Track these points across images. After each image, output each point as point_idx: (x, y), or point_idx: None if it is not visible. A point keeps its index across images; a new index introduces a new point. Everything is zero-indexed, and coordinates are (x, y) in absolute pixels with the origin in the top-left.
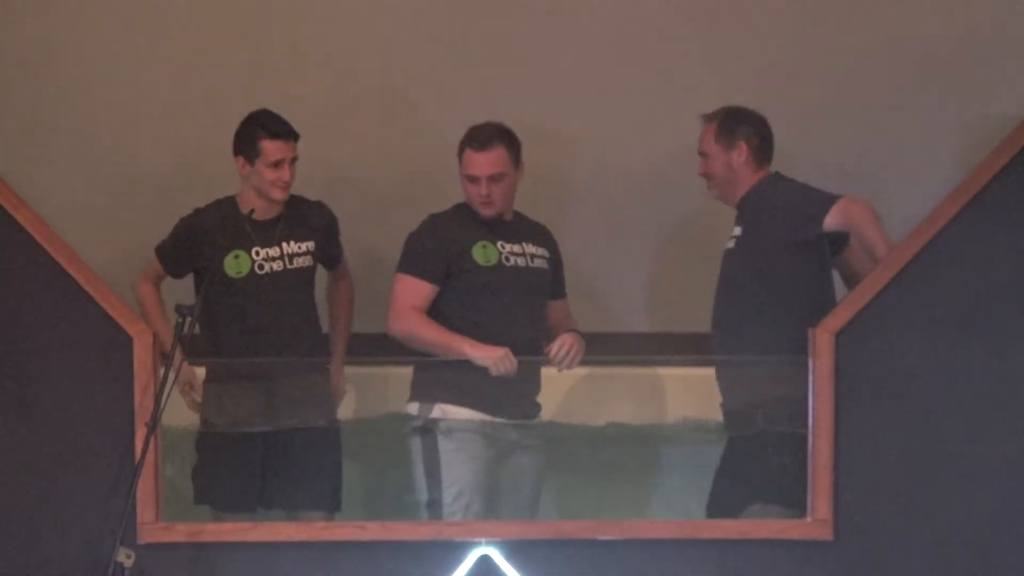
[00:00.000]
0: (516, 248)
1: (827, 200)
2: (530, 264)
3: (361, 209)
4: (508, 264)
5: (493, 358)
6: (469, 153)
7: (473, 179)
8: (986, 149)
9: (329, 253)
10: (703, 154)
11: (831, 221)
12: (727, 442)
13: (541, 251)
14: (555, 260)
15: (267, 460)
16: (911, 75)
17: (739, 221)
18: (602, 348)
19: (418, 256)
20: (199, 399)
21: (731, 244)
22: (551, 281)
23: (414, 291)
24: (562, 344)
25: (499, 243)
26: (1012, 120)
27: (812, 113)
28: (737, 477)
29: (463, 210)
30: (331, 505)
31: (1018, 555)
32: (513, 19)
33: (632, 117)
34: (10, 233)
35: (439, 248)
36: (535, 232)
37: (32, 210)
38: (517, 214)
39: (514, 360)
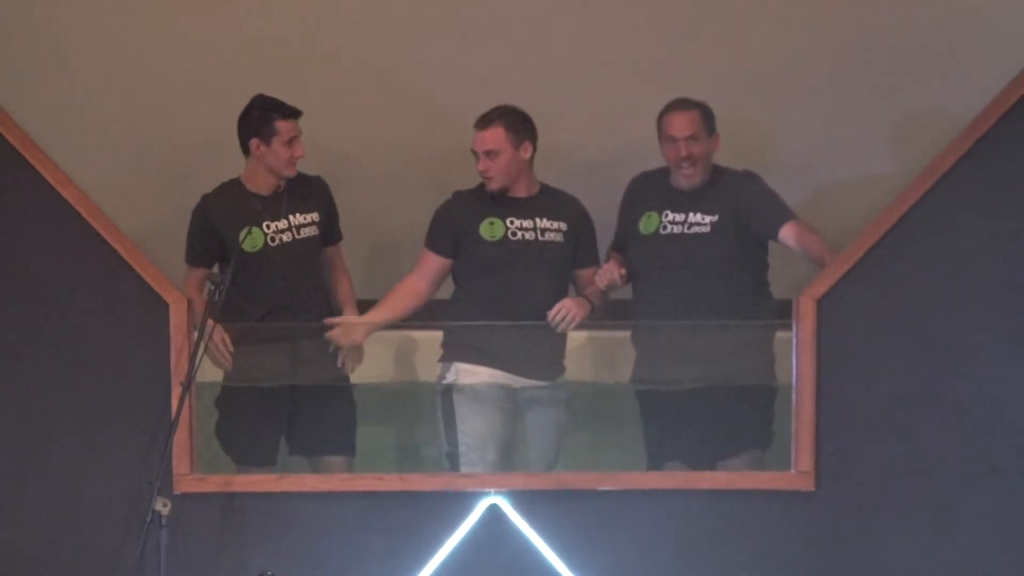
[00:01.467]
0: (527, 223)
1: (785, 214)
2: (540, 238)
3: (370, 187)
4: (514, 238)
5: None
6: (474, 133)
7: (475, 154)
8: (959, 127)
9: (330, 225)
10: (694, 138)
11: (784, 235)
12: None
13: (557, 224)
14: (578, 232)
15: (289, 414)
16: (876, 71)
17: (707, 207)
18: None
19: (432, 230)
20: (229, 357)
21: (704, 229)
22: (570, 252)
23: (424, 262)
24: (559, 308)
25: (508, 219)
26: (970, 112)
27: (782, 104)
28: (724, 430)
29: (478, 188)
30: (349, 449)
31: (988, 503)
32: (516, 7)
33: (625, 103)
34: (55, 206)
35: (450, 223)
36: (556, 206)
37: (76, 185)
38: (545, 189)
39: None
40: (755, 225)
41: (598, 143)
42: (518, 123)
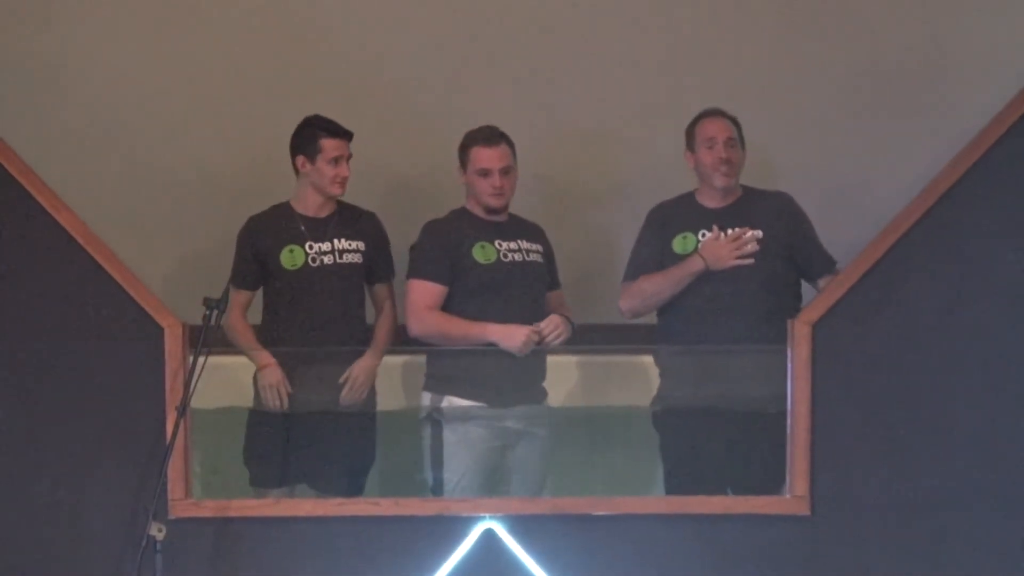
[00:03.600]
0: (512, 245)
1: (828, 259)
2: (526, 259)
3: (379, 207)
4: (506, 260)
5: (514, 346)
6: (480, 150)
7: (486, 172)
8: (954, 150)
9: (377, 261)
10: (732, 142)
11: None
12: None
13: (535, 246)
14: (548, 254)
15: (309, 441)
16: (887, 86)
17: (748, 224)
18: (614, 338)
19: (425, 260)
20: (286, 398)
21: (754, 246)
22: (547, 273)
23: (427, 293)
24: (550, 322)
25: (496, 242)
26: (974, 128)
27: (796, 121)
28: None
29: (460, 214)
30: (356, 489)
31: (983, 528)
32: (521, 29)
33: (634, 120)
34: (52, 233)
35: (443, 250)
36: (528, 229)
37: (72, 211)
38: (512, 215)
39: (532, 336)
40: (802, 263)
41: (595, 168)
42: (512, 143)
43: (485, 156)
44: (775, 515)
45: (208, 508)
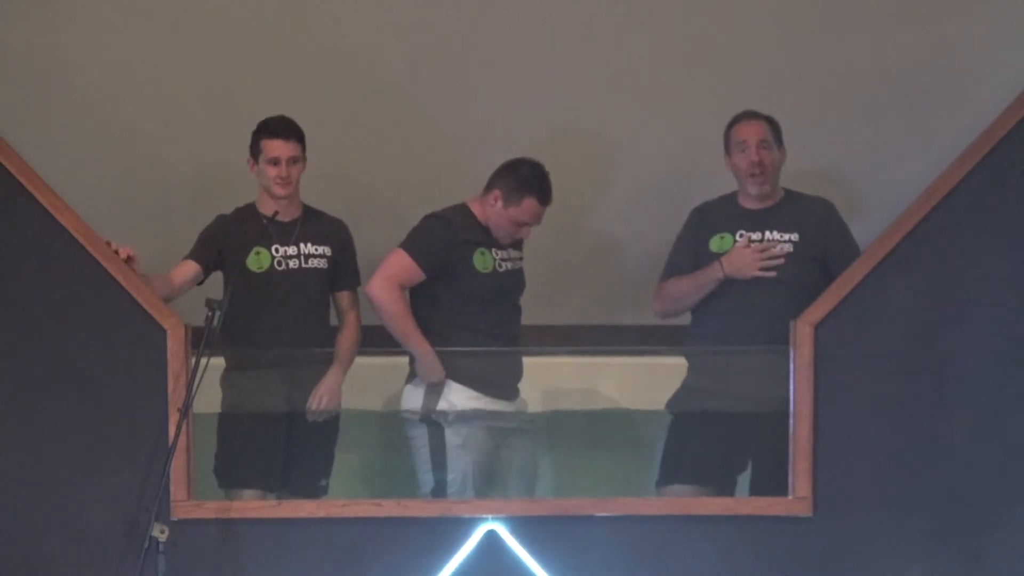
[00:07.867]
0: (504, 254)
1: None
2: (513, 267)
3: (368, 208)
4: (501, 270)
5: (432, 377)
6: (537, 206)
7: (527, 225)
8: (955, 152)
9: (343, 268)
10: (765, 144)
11: None
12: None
13: (519, 253)
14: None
15: (276, 445)
16: (891, 86)
17: (784, 226)
18: (612, 338)
19: (423, 243)
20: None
21: (787, 247)
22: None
23: (407, 270)
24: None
25: (493, 250)
26: (977, 129)
27: (802, 119)
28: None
29: (465, 214)
30: (317, 490)
31: (986, 528)
32: (524, 27)
33: (640, 119)
34: (53, 233)
35: (444, 247)
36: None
37: (73, 211)
38: None
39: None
40: (835, 272)
41: (610, 159)
42: None
43: (536, 215)
44: (777, 516)
45: (210, 509)
